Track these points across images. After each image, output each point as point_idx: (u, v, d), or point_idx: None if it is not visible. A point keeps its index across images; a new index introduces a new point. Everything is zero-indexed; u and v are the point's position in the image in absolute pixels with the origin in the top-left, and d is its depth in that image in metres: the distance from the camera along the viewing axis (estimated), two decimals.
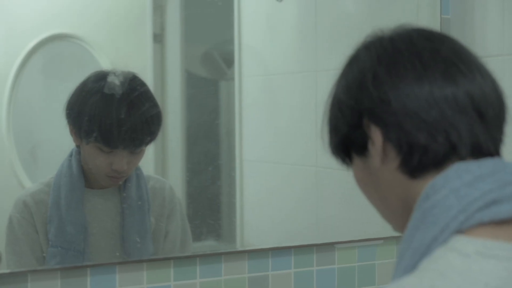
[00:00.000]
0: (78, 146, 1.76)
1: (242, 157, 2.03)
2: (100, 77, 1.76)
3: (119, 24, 1.90)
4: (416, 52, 0.98)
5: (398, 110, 0.96)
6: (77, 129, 1.74)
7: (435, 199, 0.93)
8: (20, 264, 1.71)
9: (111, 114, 1.73)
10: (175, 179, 1.95)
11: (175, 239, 1.87)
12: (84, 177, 1.76)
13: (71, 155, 1.76)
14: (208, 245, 1.95)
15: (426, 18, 2.16)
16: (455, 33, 2.17)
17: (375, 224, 2.15)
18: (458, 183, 0.93)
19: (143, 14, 1.92)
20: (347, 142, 1.04)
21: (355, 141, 1.02)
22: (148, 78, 1.91)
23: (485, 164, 0.95)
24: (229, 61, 2.06)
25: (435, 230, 0.91)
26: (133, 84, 1.78)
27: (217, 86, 2.09)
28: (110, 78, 1.75)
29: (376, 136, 0.99)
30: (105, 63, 1.84)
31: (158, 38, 1.94)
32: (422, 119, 0.95)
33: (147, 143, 1.78)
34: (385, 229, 2.17)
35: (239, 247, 2.00)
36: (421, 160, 0.96)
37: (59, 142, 1.83)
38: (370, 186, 1.05)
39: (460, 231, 0.91)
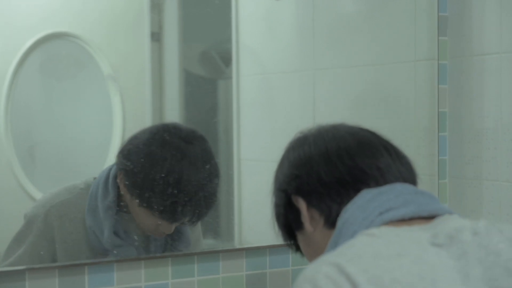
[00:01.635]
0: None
1: (240, 156, 2.03)
2: (174, 142, 1.68)
3: (117, 23, 1.90)
4: (319, 136, 1.27)
5: (308, 180, 1.23)
6: (134, 189, 1.65)
7: (345, 217, 1.15)
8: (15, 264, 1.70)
9: (180, 193, 1.65)
10: None
11: (197, 239, 1.87)
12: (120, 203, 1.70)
13: (107, 178, 1.70)
14: (206, 243, 1.95)
15: (424, 16, 2.16)
16: (453, 31, 2.18)
17: None
18: (361, 200, 1.16)
19: (141, 13, 1.92)
20: (287, 222, 1.30)
21: (291, 218, 1.28)
22: (146, 77, 1.91)
23: (384, 186, 1.18)
24: (227, 60, 2.06)
25: (347, 237, 1.11)
26: (206, 157, 1.72)
27: (215, 85, 2.09)
28: (189, 150, 1.67)
29: (301, 205, 1.24)
30: (103, 62, 1.84)
31: (156, 36, 1.94)
32: (328, 181, 1.21)
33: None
34: None
35: (237, 245, 2.00)
36: (338, 210, 1.19)
37: (58, 142, 1.83)
38: (314, 255, 1.23)
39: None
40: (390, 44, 2.16)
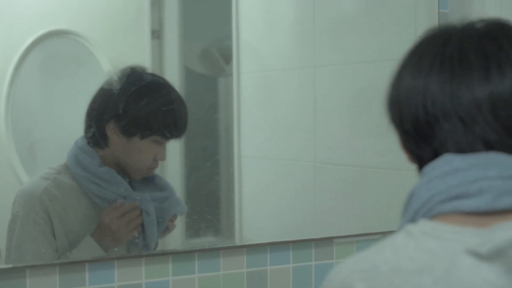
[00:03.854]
0: (98, 144, 1.77)
1: (240, 153, 2.03)
2: (137, 75, 1.80)
3: (117, 20, 1.90)
4: (434, 52, 0.98)
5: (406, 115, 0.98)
6: (133, 126, 1.76)
7: (417, 185, 0.95)
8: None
9: (173, 107, 1.82)
10: (173, 175, 1.95)
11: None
12: None
13: (81, 151, 1.77)
14: (206, 240, 1.96)
15: (424, 13, 2.16)
16: None
17: (373, 219, 2.16)
18: (435, 173, 0.93)
19: (141, 10, 1.92)
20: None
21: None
22: None
23: (472, 157, 0.93)
24: (227, 57, 2.06)
25: (408, 218, 0.95)
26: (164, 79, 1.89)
27: (215, 82, 2.09)
28: (147, 75, 1.84)
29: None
30: (103, 60, 1.84)
31: (156, 34, 1.94)
32: (414, 117, 0.96)
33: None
34: (383, 224, 2.19)
35: (237, 242, 2.00)
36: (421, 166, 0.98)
37: (58, 139, 1.83)
38: None
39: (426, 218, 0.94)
40: (390, 41, 2.16)
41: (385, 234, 2.12)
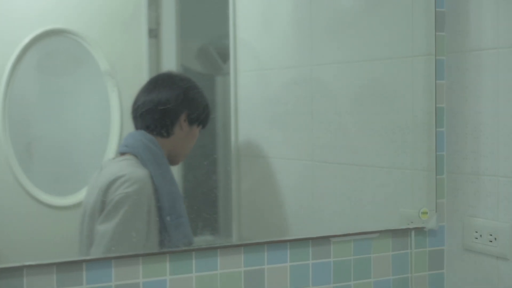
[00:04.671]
0: (164, 134, 1.89)
1: (238, 152, 2.03)
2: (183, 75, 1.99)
3: (114, 19, 1.90)
4: None
5: None
6: (195, 115, 1.93)
7: None
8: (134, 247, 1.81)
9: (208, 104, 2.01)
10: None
11: None
12: None
13: (152, 142, 1.89)
14: (204, 239, 1.96)
15: (421, 12, 2.16)
16: (450, 26, 2.18)
17: (370, 217, 2.16)
18: None
19: (138, 9, 1.91)
20: None
21: None
22: (143, 73, 1.91)
23: None
24: (224, 56, 2.06)
25: None
26: None
27: (213, 81, 2.08)
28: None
29: None
30: (100, 58, 1.84)
31: (154, 33, 1.94)
32: None
33: None
34: (380, 222, 2.19)
35: (235, 241, 2.00)
36: None
37: (55, 138, 1.83)
38: None
39: None
40: (387, 40, 2.16)
41: (381, 233, 2.12)
